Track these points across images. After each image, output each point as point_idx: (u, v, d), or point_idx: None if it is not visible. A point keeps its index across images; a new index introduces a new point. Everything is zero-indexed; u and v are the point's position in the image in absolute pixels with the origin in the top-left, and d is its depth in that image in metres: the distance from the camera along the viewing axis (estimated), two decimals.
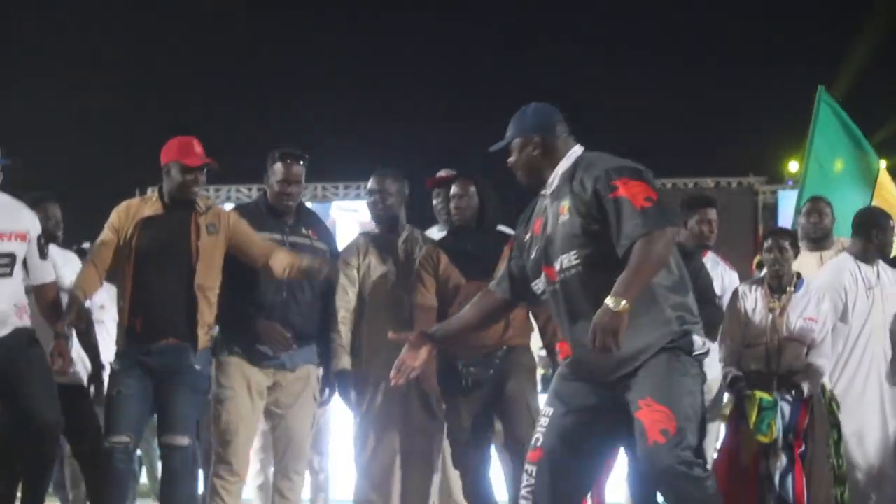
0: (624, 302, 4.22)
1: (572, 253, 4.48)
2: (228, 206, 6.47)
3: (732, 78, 20.50)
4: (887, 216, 6.85)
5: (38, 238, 5.90)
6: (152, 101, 22.37)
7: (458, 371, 5.75)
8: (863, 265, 6.57)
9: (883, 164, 7.99)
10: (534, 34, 25.02)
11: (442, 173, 6.66)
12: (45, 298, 5.98)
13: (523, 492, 4.59)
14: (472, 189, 5.97)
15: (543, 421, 4.59)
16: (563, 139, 4.67)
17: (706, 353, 4.52)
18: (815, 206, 7.03)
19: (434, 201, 6.76)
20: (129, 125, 21.21)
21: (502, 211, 6.11)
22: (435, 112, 22.87)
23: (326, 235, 6.41)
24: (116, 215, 5.96)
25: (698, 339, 4.48)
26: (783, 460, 6.12)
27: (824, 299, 6.39)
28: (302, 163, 6.16)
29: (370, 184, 6.35)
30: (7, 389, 5.72)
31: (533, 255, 4.68)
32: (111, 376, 5.97)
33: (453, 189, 6.06)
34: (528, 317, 5.91)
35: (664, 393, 4.36)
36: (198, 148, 5.97)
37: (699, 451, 4.39)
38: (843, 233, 7.08)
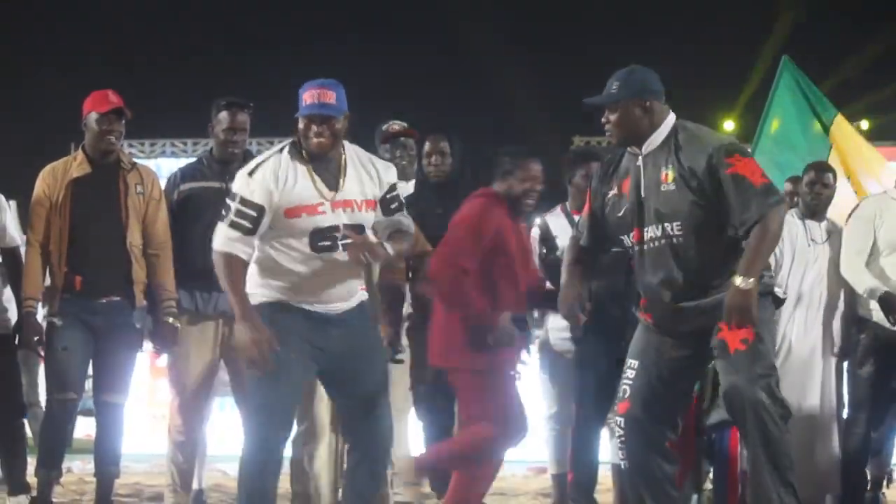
0: (752, 280, 4.57)
1: (675, 224, 4.74)
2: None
3: (665, 35, 20.14)
4: (810, 168, 6.69)
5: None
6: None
7: None
8: (808, 221, 6.55)
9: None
10: None
11: (395, 126, 6.50)
12: None
13: (616, 442, 4.96)
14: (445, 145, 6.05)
15: (629, 374, 4.91)
16: (664, 106, 4.89)
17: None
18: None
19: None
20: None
21: None
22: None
23: None
24: (44, 183, 5.98)
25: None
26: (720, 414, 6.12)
27: None
28: (246, 111, 6.14)
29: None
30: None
31: (620, 214, 4.91)
32: (54, 330, 5.96)
33: (428, 146, 6.12)
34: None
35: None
36: (112, 97, 5.99)
37: (777, 383, 4.66)
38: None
